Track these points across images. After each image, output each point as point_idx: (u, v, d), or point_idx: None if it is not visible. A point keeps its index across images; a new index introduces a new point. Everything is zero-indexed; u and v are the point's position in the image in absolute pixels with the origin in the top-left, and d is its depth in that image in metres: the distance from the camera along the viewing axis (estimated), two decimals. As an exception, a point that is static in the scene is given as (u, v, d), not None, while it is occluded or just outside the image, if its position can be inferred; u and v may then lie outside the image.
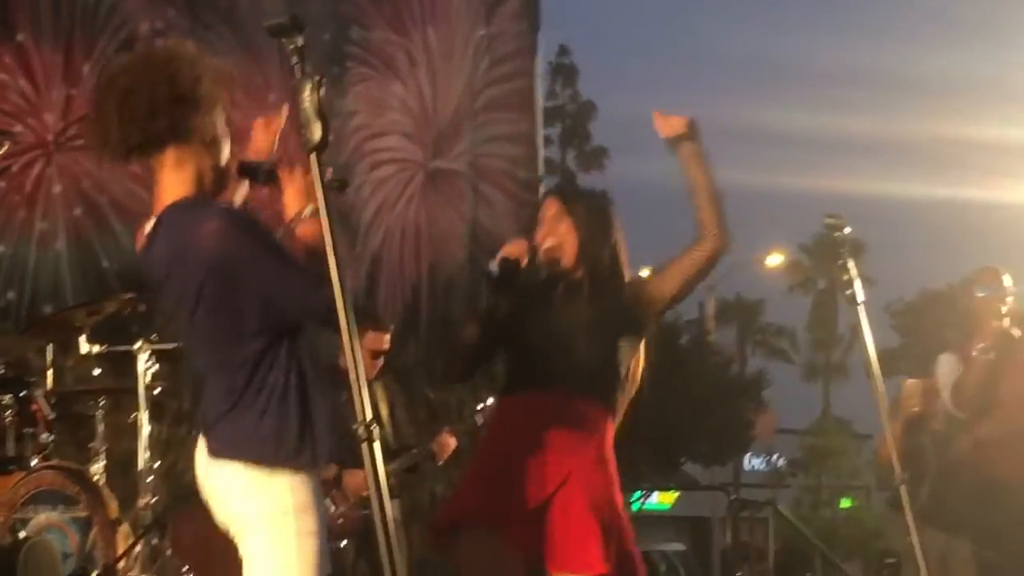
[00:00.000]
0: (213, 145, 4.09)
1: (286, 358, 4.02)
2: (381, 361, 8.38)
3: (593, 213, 5.48)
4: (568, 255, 5.32)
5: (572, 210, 5.40)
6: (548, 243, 5.29)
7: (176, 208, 4.06)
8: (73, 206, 9.81)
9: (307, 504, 4.00)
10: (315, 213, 3.90)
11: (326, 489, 8.07)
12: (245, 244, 3.94)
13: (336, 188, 4.25)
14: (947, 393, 7.95)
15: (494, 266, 5.10)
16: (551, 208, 5.41)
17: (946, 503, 7.86)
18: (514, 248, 5.20)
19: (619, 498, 5.27)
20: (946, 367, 8.02)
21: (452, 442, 8.46)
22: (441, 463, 8.48)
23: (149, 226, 4.11)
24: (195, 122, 4.03)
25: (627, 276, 5.42)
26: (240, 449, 3.99)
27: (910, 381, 9.98)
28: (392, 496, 8.21)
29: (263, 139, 4.37)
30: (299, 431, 3.99)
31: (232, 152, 4.16)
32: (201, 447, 4.10)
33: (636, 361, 5.54)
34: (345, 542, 8.08)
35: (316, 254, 3.85)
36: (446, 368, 5.51)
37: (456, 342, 5.31)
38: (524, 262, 5.19)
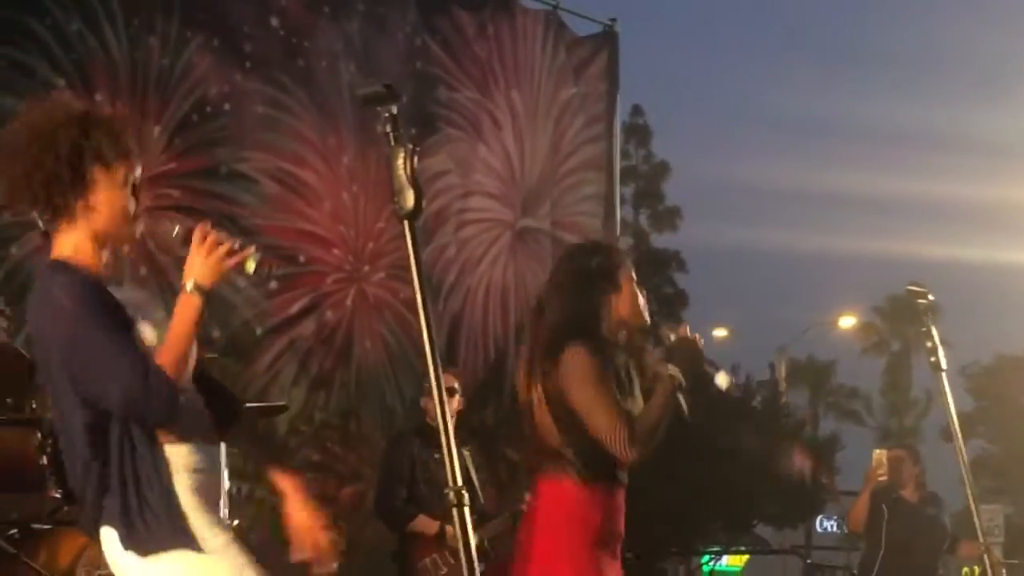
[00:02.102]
0: (112, 200, 4.04)
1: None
2: (455, 403, 8.39)
3: None
4: None
5: None
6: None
7: (44, 267, 4.03)
8: (139, 267, 9.87)
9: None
10: (198, 289, 3.95)
11: (431, 547, 8.12)
12: (81, 321, 3.83)
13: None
14: None
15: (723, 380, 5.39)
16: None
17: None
18: None
19: None
20: None
21: None
22: None
23: None
24: (86, 179, 3.97)
25: None
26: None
27: (877, 451, 10.10)
28: (482, 560, 8.29)
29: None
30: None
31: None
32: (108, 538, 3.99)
33: None
34: None
35: (180, 336, 3.89)
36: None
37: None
38: None
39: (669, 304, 45.18)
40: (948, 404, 5.93)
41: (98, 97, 9.67)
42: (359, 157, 10.95)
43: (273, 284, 10.43)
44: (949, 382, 5.95)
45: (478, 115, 12.54)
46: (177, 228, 4.09)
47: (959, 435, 5.91)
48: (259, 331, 10.37)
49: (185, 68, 10.22)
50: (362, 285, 11.03)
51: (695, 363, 5.47)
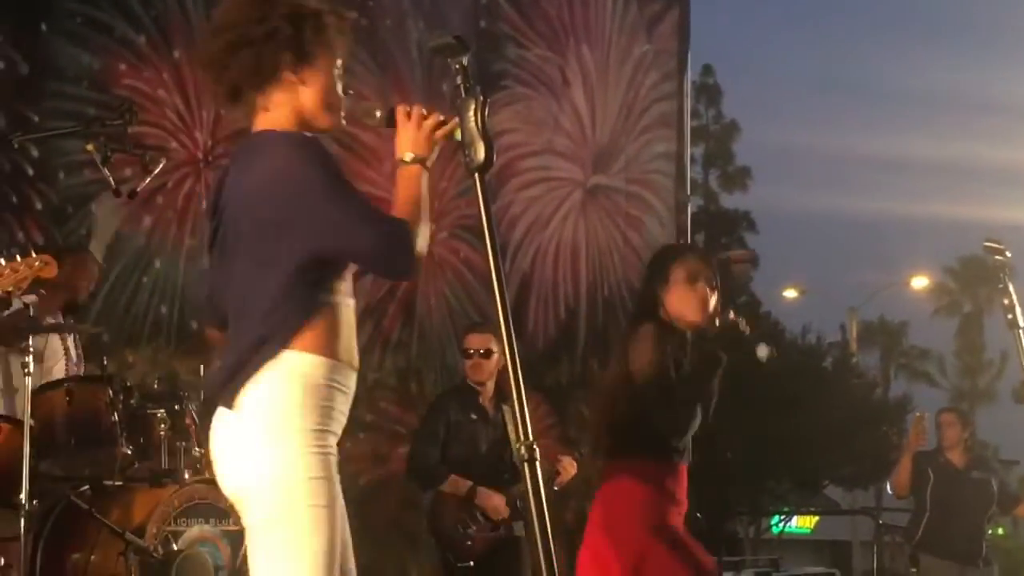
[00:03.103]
0: (320, 74, 3.98)
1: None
2: (492, 363, 8.37)
3: None
4: None
5: None
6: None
7: (248, 137, 4.00)
8: (215, 223, 9.92)
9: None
10: (416, 161, 3.91)
11: (461, 507, 8.12)
12: (312, 175, 3.81)
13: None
14: None
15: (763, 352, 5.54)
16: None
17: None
18: None
19: None
20: None
21: (572, 468, 8.41)
22: (557, 487, 8.39)
23: None
24: (303, 37, 3.93)
25: None
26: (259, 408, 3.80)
27: (916, 415, 10.16)
28: (517, 518, 8.25)
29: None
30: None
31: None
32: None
33: None
34: (471, 564, 8.12)
35: (409, 200, 3.85)
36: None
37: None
38: None
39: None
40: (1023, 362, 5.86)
41: (176, 54, 9.72)
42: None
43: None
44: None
45: (548, 72, 12.46)
46: (379, 111, 4.05)
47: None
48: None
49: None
50: (423, 247, 10.99)
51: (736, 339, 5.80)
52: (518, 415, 3.33)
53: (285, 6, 3.93)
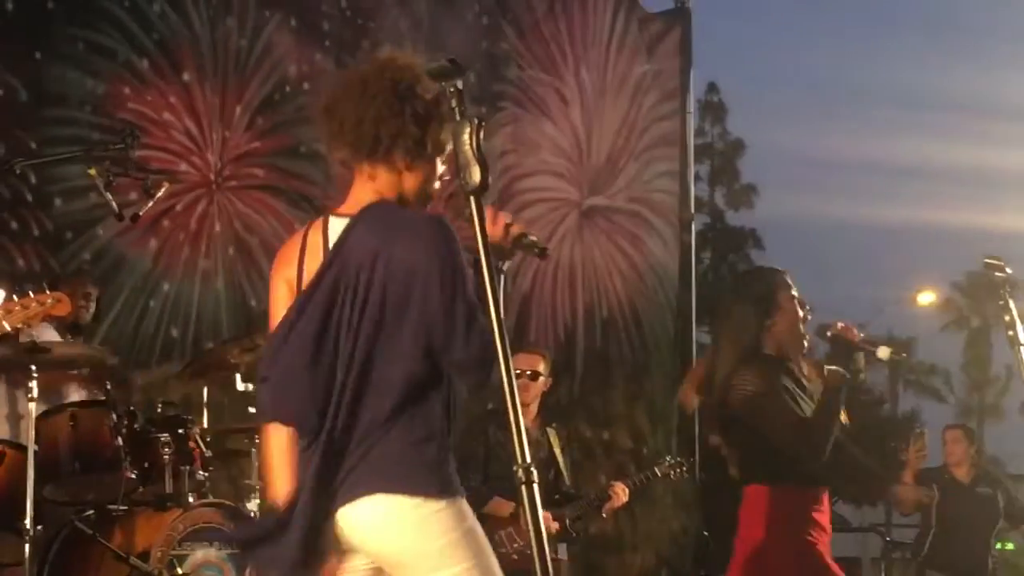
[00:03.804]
0: (429, 166, 4.11)
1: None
2: (539, 385, 8.36)
3: None
4: None
5: None
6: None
7: (381, 205, 4.06)
8: (228, 245, 9.93)
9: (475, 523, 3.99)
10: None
11: (502, 526, 8.11)
12: (451, 258, 3.90)
13: (538, 254, 4.26)
14: None
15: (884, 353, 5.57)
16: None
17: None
18: None
19: None
20: None
21: (624, 496, 8.41)
22: (606, 515, 8.40)
23: (335, 223, 4.10)
24: (426, 138, 4.05)
25: None
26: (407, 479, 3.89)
27: (916, 432, 10.18)
28: (562, 539, 8.21)
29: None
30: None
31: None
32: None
33: None
34: None
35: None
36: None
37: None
38: None
39: (746, 282, 44.95)
40: (1026, 380, 5.85)
41: (186, 77, 9.77)
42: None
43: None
44: (1028, 359, 5.87)
45: (545, 94, 12.49)
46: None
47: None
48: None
49: (265, 48, 10.27)
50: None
51: (849, 353, 5.82)
52: (515, 438, 3.33)
53: (421, 103, 4.05)
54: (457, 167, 3.49)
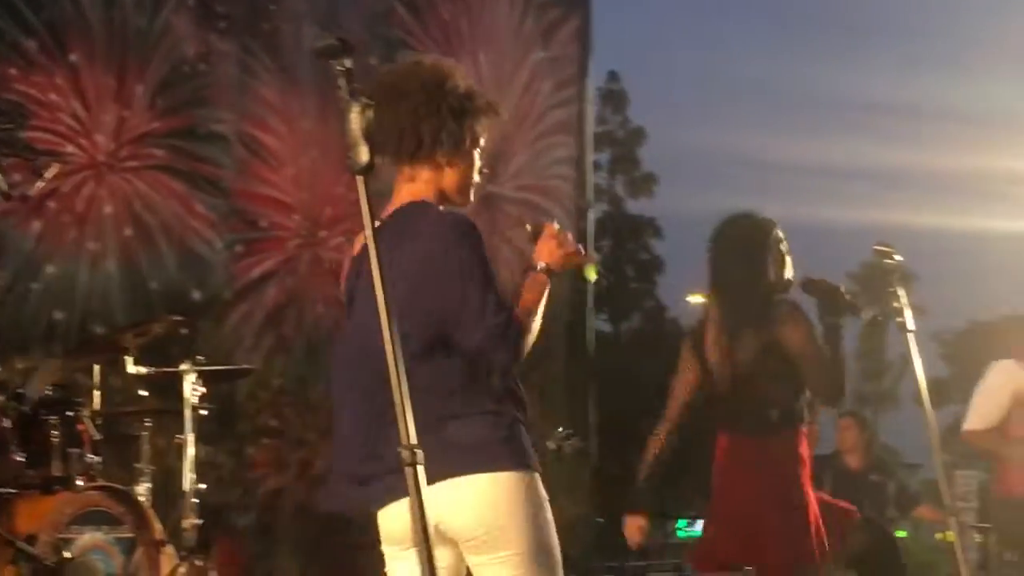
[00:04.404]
0: (468, 159, 4.31)
1: None
2: None
3: None
4: None
5: None
6: None
7: (405, 209, 4.23)
8: (123, 227, 9.83)
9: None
10: (546, 271, 4.33)
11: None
12: (459, 250, 4.09)
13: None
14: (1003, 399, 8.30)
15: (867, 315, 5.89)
16: None
17: None
18: None
19: None
20: (1002, 376, 8.24)
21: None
22: None
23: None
24: (464, 132, 4.25)
25: None
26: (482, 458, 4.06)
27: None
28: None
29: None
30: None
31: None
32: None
33: None
34: None
35: (531, 302, 4.20)
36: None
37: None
38: None
39: (644, 270, 45.25)
40: (916, 365, 5.94)
41: (73, 58, 9.65)
42: (320, 121, 10.84)
43: (239, 248, 10.43)
44: (923, 348, 5.98)
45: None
46: (529, 225, 4.53)
47: (927, 399, 5.92)
48: (226, 294, 10.34)
49: (163, 28, 10.17)
50: (317, 250, 10.94)
51: (833, 296, 6.27)
52: (399, 418, 3.32)
53: (455, 98, 4.24)
54: (346, 146, 3.48)
